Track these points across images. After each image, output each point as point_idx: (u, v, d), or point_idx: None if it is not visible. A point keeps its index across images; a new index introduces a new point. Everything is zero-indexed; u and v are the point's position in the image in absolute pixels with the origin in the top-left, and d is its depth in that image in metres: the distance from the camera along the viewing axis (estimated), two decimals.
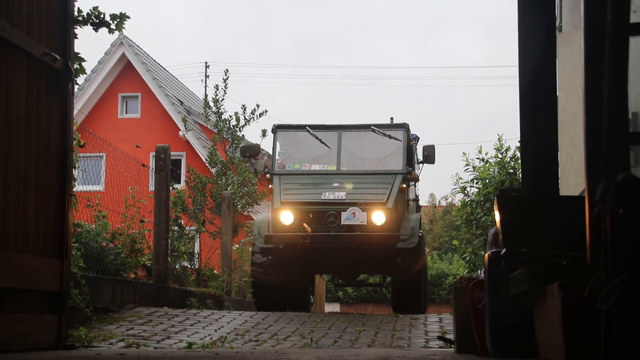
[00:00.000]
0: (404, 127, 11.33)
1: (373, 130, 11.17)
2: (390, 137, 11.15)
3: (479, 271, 13.67)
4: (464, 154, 14.37)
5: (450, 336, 6.58)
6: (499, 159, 14.01)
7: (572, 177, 7.23)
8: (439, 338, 7.06)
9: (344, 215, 10.17)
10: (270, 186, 11.06)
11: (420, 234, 10.88)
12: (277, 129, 11.56)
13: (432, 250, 26.38)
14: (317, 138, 11.14)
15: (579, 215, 3.50)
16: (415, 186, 12.42)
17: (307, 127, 11.25)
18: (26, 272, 5.73)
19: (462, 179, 14.55)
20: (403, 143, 11.14)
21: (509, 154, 13.92)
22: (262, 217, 11.21)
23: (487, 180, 13.74)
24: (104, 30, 7.66)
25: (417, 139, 12.32)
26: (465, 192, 14.51)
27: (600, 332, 2.67)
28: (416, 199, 12.95)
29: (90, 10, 7.45)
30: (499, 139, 14.14)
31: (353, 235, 10.08)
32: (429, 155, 11.19)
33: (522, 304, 4.41)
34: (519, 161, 13.20)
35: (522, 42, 5.36)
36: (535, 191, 5.21)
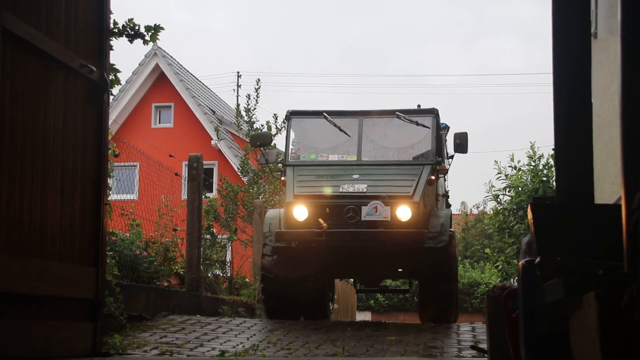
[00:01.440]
0: (433, 112, 9.95)
1: (398, 117, 9.86)
2: (417, 123, 9.86)
3: (512, 280, 13.56)
4: (496, 162, 14.31)
5: (484, 346, 6.53)
6: (531, 167, 13.92)
7: (607, 185, 7.14)
8: (472, 347, 7.01)
9: (364, 209, 8.88)
10: (282, 178, 9.72)
11: (450, 232, 9.56)
12: (291, 115, 10.28)
13: (464, 259, 26.20)
14: (335, 125, 9.86)
15: (615, 223, 3.46)
16: (445, 180, 11.26)
17: (324, 113, 9.97)
18: (62, 280, 5.79)
19: (494, 187, 14.51)
20: (432, 130, 9.80)
21: (542, 161, 13.83)
22: (274, 212, 9.78)
23: (520, 188, 13.66)
24: (138, 41, 7.75)
25: (447, 128, 10.96)
26: (498, 200, 14.45)
27: (637, 342, 2.63)
28: (446, 195, 11.68)
29: (125, 22, 7.53)
30: (531, 146, 14.07)
31: (375, 232, 8.76)
32: (461, 144, 9.76)
33: (557, 313, 4.36)
34: (552, 169, 13.11)
35: (557, 48, 5.31)
36: (570, 199, 5.16)
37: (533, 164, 13.91)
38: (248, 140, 18.71)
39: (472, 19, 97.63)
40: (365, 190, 9.04)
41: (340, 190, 9.06)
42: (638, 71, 2.82)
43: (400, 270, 10.50)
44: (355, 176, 9.28)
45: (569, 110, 5.30)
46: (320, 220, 8.81)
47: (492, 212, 14.96)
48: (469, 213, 30.68)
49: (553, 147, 6.68)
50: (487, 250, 16.63)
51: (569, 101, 5.30)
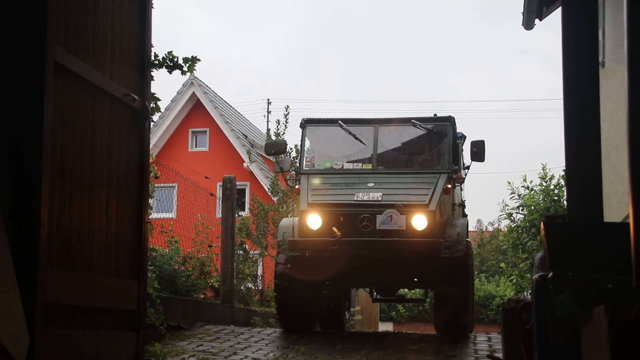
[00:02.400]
0: (450, 120, 9.23)
1: (414, 125, 9.12)
2: (434, 131, 9.17)
3: (526, 293, 13.42)
4: (509, 182, 14.27)
5: (499, 355, 6.47)
6: (543, 187, 13.84)
7: (615, 204, 7.07)
8: (488, 357, 6.95)
9: (379, 218, 8.16)
10: (297, 187, 9.05)
11: (467, 241, 8.77)
12: (305, 123, 9.49)
13: (480, 273, 26.02)
14: (350, 133, 9.15)
15: (624, 240, 3.42)
16: (461, 189, 10.43)
17: (339, 121, 9.26)
18: (108, 292, 5.82)
19: (508, 205, 14.42)
20: (448, 139, 9.07)
21: (553, 182, 13.76)
22: (288, 221, 9.08)
23: (533, 207, 13.58)
24: (177, 72, 7.85)
25: (463, 137, 10.13)
26: (512, 218, 14.37)
27: None
28: (462, 204, 10.86)
29: (165, 54, 7.63)
30: (543, 168, 14.02)
31: (389, 242, 8.07)
32: (478, 152, 8.94)
33: (569, 325, 4.32)
34: (563, 189, 13.01)
35: (567, 77, 5.30)
36: (581, 217, 5.12)
37: (545, 184, 13.84)
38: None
39: (500, 48, 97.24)
40: (380, 198, 8.34)
41: (355, 198, 8.39)
42: None
43: (415, 280, 9.62)
44: (370, 184, 8.59)
45: (580, 134, 5.28)
46: (334, 229, 8.15)
47: (506, 229, 14.91)
48: (484, 230, 30.47)
49: (564, 168, 6.65)
50: (502, 265, 16.51)
51: (580, 125, 5.28)
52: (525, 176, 14.31)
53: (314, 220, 8.33)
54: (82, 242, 5.54)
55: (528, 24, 9.90)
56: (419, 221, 8.21)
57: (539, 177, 13.99)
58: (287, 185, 16.88)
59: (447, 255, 8.27)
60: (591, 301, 3.88)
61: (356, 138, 9.15)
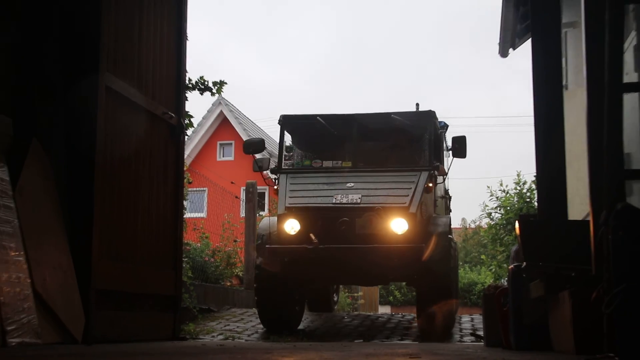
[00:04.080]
0: (430, 115, 7.64)
1: (394, 119, 7.50)
2: (414, 126, 7.59)
3: (503, 280, 13.40)
4: (488, 187, 14.41)
5: (481, 333, 6.47)
6: (517, 191, 13.89)
7: (577, 205, 7.07)
8: (471, 334, 6.94)
9: (358, 222, 6.73)
10: (275, 187, 7.50)
11: (449, 240, 7.18)
12: (284, 120, 7.88)
13: (465, 263, 25.99)
14: (329, 129, 7.64)
15: (585, 235, 3.44)
16: (444, 180, 8.39)
17: (318, 117, 7.65)
18: (149, 280, 5.86)
19: (487, 206, 14.56)
20: (429, 134, 7.53)
21: (526, 186, 13.81)
22: (267, 223, 7.45)
23: (508, 208, 13.64)
24: (207, 93, 7.92)
25: (446, 127, 8.46)
26: (491, 217, 14.45)
27: (603, 330, 2.62)
28: (446, 196, 8.88)
29: (197, 79, 7.70)
30: (517, 174, 14.10)
31: (369, 249, 6.65)
32: (460, 148, 7.40)
33: (539, 307, 4.33)
34: (534, 192, 13.01)
35: (536, 97, 5.33)
36: (549, 216, 5.14)
37: (519, 188, 13.90)
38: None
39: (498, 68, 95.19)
40: (359, 201, 6.86)
41: (334, 201, 6.89)
42: (599, 116, 2.84)
43: (395, 278, 8.16)
44: (350, 184, 7.07)
45: (547, 146, 5.30)
46: (312, 235, 6.67)
47: (486, 226, 14.97)
48: (467, 227, 30.43)
49: (535, 174, 6.66)
50: (483, 257, 16.53)
51: (547, 139, 5.30)
52: (502, 181, 14.68)
53: (292, 225, 6.89)
54: (128, 237, 5.58)
55: (504, 53, 9.95)
56: (399, 225, 6.77)
57: (514, 182, 14.08)
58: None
59: (428, 259, 6.75)
60: (558, 287, 3.90)
61: (335, 134, 7.68)
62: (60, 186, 4.96)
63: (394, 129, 7.56)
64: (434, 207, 7.61)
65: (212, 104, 25.99)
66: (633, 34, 5.05)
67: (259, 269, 7.17)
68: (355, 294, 15.29)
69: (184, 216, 7.50)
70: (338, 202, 6.88)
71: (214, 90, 7.93)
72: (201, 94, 7.87)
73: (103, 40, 5.16)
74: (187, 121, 7.22)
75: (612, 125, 2.72)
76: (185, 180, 7.73)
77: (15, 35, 4.86)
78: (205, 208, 13.51)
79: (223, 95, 21.16)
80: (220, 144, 26.39)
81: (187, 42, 6.70)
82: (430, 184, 7.23)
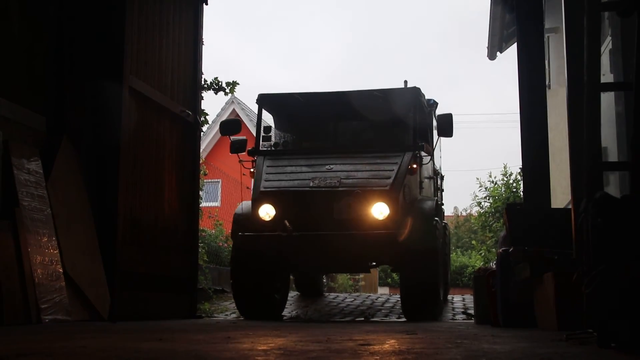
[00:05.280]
0: (415, 91, 6.43)
1: (377, 96, 6.38)
2: (398, 104, 6.39)
3: (492, 263, 13.43)
4: (477, 178, 14.48)
5: (471, 311, 6.49)
6: (504, 181, 13.91)
7: (559, 195, 7.07)
8: (463, 313, 6.96)
9: (337, 207, 5.68)
10: (252, 170, 6.32)
11: (436, 221, 6.10)
12: (261, 99, 6.62)
13: (457, 248, 26.05)
14: (309, 108, 6.56)
15: (566, 222, 3.46)
16: (432, 160, 6.90)
17: (297, 95, 6.56)
18: (169, 263, 5.89)
19: (477, 196, 14.60)
20: (414, 112, 6.33)
21: (512, 177, 13.84)
22: (242, 207, 6.29)
23: (496, 197, 13.65)
24: (221, 93, 7.93)
25: (435, 104, 7.31)
26: (480, 205, 14.48)
27: (583, 308, 2.64)
28: (434, 176, 7.42)
29: (212, 79, 7.70)
30: (504, 166, 14.13)
31: (346, 236, 5.59)
32: (446, 127, 6.27)
33: (524, 288, 4.35)
34: (520, 183, 13.02)
35: (522, 96, 5.34)
36: (534, 204, 5.15)
37: (505, 179, 13.93)
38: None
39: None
40: (337, 184, 5.79)
41: (311, 184, 5.81)
42: (579, 113, 2.85)
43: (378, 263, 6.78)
44: (329, 166, 5.97)
45: (532, 140, 5.31)
46: (286, 222, 5.60)
47: (476, 214, 15.01)
48: (459, 215, 30.47)
49: (520, 166, 6.66)
50: (473, 242, 16.59)
51: (532, 134, 5.31)
52: (490, 173, 14.67)
53: (267, 210, 5.80)
54: (149, 225, 5.62)
55: (492, 56, 9.93)
56: (380, 209, 5.68)
57: (501, 174, 14.11)
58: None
59: (407, 241, 5.67)
60: (542, 269, 3.92)
61: (315, 113, 6.60)
62: (89, 177, 4.99)
63: (377, 107, 6.42)
64: (419, 189, 6.43)
65: (226, 103, 25.95)
66: (608, 39, 5.05)
67: (235, 255, 6.00)
68: (356, 276, 15.29)
69: (200, 205, 7.53)
70: (316, 186, 5.79)
71: (227, 90, 7.94)
72: (215, 93, 7.89)
73: (127, 47, 5.20)
74: (202, 118, 7.24)
75: (590, 121, 2.72)
76: (201, 172, 7.75)
77: (49, 42, 4.89)
78: (220, 197, 13.52)
79: (236, 95, 21.17)
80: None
81: (203, 47, 6.71)
82: (415, 165, 6.08)
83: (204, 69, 6.86)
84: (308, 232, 5.62)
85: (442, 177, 8.24)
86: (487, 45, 9.65)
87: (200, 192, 7.97)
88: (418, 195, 6.35)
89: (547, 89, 6.83)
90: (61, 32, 4.94)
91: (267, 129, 6.68)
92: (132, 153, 5.30)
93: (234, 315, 6.69)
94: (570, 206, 3.32)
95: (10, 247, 4.02)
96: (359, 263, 6.36)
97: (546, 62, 7.66)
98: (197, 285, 6.54)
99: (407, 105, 6.39)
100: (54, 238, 4.41)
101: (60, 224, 4.52)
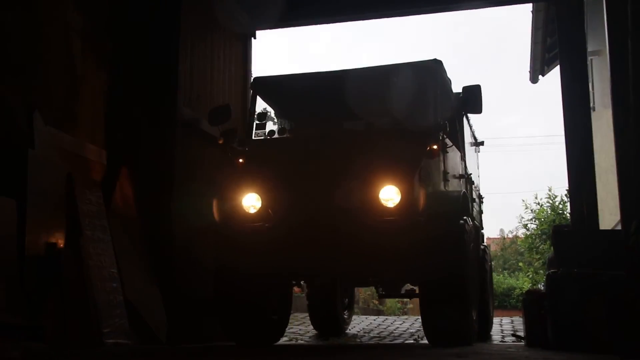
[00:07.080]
0: (436, 64, 4.89)
1: (389, 74, 5.00)
2: (414, 80, 4.90)
3: (540, 285, 13.13)
4: (523, 200, 14.25)
5: (521, 333, 6.34)
6: (550, 204, 13.75)
7: (607, 216, 6.89)
8: (513, 335, 6.80)
9: (337, 194, 4.25)
10: (241, 160, 4.77)
11: (464, 220, 4.49)
12: (256, 83, 5.23)
13: (504, 270, 25.57)
14: (309, 89, 5.22)
15: (615, 243, 3.39)
16: (462, 155, 5.70)
17: (297, 77, 5.24)
18: None
19: (523, 218, 14.47)
20: (434, 88, 4.81)
21: (558, 199, 13.68)
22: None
23: (543, 219, 13.47)
24: (269, 123, 8.05)
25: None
26: (527, 227, 14.32)
27: (637, 330, 2.57)
28: (467, 177, 5.84)
29: (261, 110, 7.83)
30: (549, 189, 14.01)
31: (346, 223, 4.19)
32: (473, 100, 4.82)
33: (575, 309, 4.24)
34: (566, 204, 12.79)
35: (567, 118, 5.28)
36: (581, 226, 5.04)
37: (551, 201, 13.77)
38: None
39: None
40: (339, 168, 4.42)
41: (309, 167, 4.50)
42: (624, 135, 2.81)
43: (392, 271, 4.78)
44: (329, 151, 4.60)
45: (579, 162, 5.22)
46: (269, 210, 4.34)
47: (523, 236, 14.80)
48: (505, 237, 29.93)
49: (567, 188, 6.54)
50: (520, 264, 16.27)
51: (578, 155, 5.22)
52: (537, 195, 14.49)
53: (251, 201, 4.45)
54: (202, 250, 5.69)
55: (534, 79, 9.83)
56: (390, 194, 4.23)
57: (546, 197, 13.98)
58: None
59: (431, 237, 4.18)
60: (591, 291, 3.82)
61: (317, 94, 5.25)
62: (145, 205, 5.14)
63: (388, 86, 5.03)
64: (443, 180, 4.93)
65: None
66: None
67: (218, 267, 4.57)
68: (404, 300, 15.11)
69: None
70: (312, 170, 4.46)
71: (275, 121, 8.09)
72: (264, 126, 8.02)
73: (180, 81, 5.38)
74: None
75: (638, 142, 2.68)
76: None
77: (108, 80, 5.11)
78: None
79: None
80: None
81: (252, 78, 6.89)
82: (435, 147, 4.55)
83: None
84: (295, 219, 4.29)
85: (481, 198, 7.04)
86: (529, 70, 9.57)
87: None
88: (442, 187, 4.89)
89: (592, 111, 6.74)
90: (118, 66, 5.16)
91: (262, 115, 5.47)
92: (185, 181, 5.43)
93: (285, 339, 6.67)
94: (618, 227, 3.26)
95: (75, 274, 4.17)
96: (370, 267, 4.58)
97: (590, 84, 7.57)
98: None
99: (424, 80, 4.93)
100: (115, 265, 4.53)
101: (119, 251, 4.65)
